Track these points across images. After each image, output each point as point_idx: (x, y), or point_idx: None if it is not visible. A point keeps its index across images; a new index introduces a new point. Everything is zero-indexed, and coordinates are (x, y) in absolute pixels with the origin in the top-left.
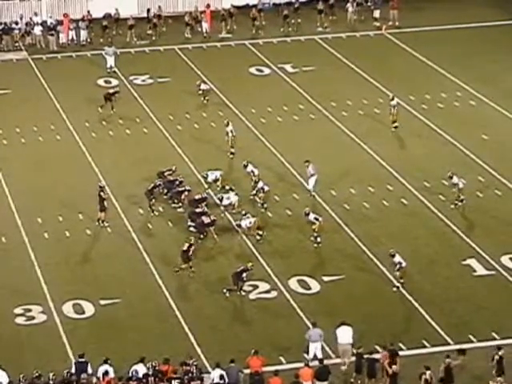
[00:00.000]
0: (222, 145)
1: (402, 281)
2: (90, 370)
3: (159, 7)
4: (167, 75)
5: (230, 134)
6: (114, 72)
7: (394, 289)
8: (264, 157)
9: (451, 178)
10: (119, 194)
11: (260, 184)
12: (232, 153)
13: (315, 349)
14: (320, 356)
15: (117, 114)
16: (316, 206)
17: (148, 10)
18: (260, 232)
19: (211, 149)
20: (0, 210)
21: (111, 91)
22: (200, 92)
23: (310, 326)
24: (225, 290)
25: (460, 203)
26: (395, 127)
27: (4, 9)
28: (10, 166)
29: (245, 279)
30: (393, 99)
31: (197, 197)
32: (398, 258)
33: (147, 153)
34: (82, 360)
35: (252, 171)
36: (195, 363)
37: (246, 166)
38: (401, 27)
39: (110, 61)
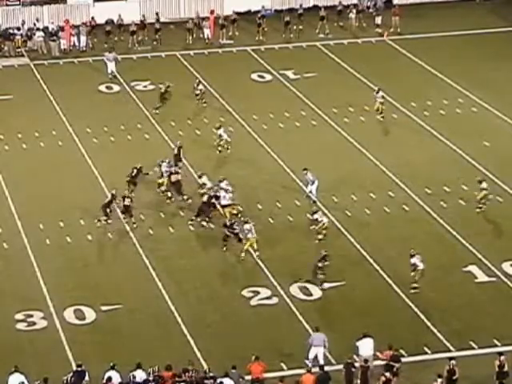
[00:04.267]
0: (223, 151)
1: (415, 285)
2: (87, 379)
3: (157, 13)
4: (169, 81)
5: (225, 137)
6: (115, 77)
7: (412, 290)
8: (265, 163)
9: (481, 182)
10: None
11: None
12: (219, 150)
13: (316, 352)
14: (322, 361)
15: (118, 120)
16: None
17: (143, 16)
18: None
19: (212, 155)
20: (1, 216)
21: (163, 90)
22: (197, 92)
23: (312, 330)
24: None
25: (484, 206)
26: (382, 117)
27: (6, 15)
28: (11, 172)
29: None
30: (378, 92)
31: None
32: (415, 259)
33: (148, 158)
34: (80, 369)
35: (204, 183)
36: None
37: (200, 177)
38: (402, 34)
39: (111, 66)
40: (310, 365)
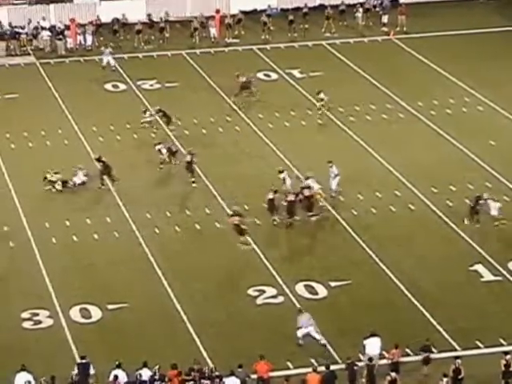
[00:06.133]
0: (229, 150)
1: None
2: (92, 371)
3: (166, 13)
4: (175, 80)
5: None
6: (114, 70)
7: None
8: (271, 161)
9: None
10: (127, 198)
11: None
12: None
13: (308, 332)
14: (318, 335)
15: (124, 119)
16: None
17: (149, 15)
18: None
19: (218, 153)
20: (8, 215)
21: (244, 80)
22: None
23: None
24: None
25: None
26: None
27: (13, 13)
28: (17, 170)
29: None
30: (319, 93)
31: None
32: (490, 201)
33: (154, 157)
34: (85, 361)
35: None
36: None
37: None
38: (409, 32)
39: (108, 59)
40: (301, 342)
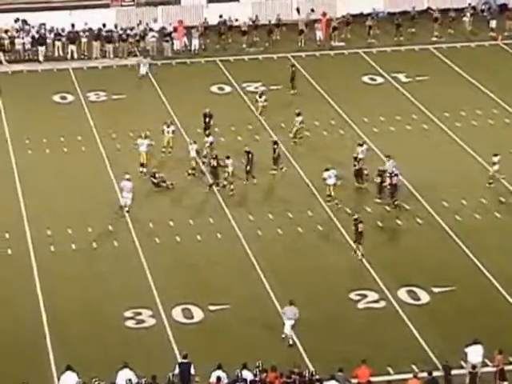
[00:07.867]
0: (333, 153)
1: None
2: (193, 371)
3: (278, 16)
4: (279, 83)
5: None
6: (144, 77)
7: None
8: (375, 166)
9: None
10: (229, 200)
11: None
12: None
13: (289, 326)
14: (289, 332)
15: (229, 121)
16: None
17: (256, 17)
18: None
19: (322, 157)
20: (112, 215)
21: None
22: (261, 104)
23: (420, 336)
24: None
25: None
26: (294, 142)
27: (121, 15)
28: (122, 171)
29: None
30: (298, 115)
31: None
32: None
33: (261, 158)
34: (186, 361)
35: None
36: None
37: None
38: None
39: (144, 69)
40: (284, 337)
